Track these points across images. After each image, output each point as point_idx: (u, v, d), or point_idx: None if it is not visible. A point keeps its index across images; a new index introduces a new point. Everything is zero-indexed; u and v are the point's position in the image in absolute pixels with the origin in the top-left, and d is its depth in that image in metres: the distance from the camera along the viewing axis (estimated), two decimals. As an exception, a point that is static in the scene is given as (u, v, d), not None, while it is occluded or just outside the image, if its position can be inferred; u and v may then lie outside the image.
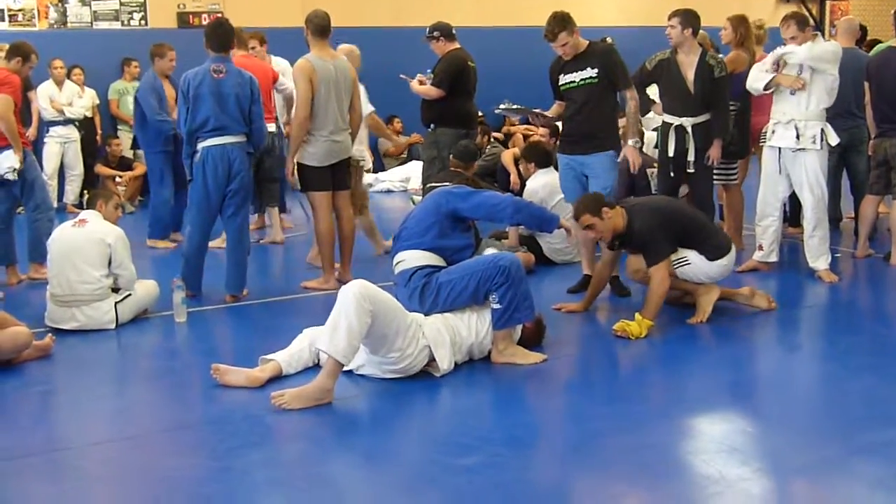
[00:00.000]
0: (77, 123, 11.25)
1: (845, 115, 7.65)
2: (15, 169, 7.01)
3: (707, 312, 5.79)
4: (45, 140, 11.04)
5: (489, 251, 5.76)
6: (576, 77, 6.32)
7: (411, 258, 5.21)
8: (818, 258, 6.85)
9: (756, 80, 6.78)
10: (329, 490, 3.62)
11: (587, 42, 6.37)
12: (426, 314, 5.01)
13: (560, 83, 6.43)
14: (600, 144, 6.34)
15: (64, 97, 11.10)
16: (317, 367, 4.85)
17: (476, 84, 8.43)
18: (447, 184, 7.09)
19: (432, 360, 4.83)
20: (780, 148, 6.80)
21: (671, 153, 6.85)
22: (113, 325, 5.87)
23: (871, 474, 3.67)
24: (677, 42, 6.77)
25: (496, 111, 9.65)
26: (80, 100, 11.38)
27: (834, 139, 6.71)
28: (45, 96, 10.96)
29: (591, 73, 6.27)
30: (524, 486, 3.65)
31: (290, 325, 5.47)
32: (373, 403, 4.58)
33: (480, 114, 12.03)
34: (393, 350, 4.68)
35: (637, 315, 5.58)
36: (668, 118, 6.92)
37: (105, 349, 5.65)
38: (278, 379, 4.81)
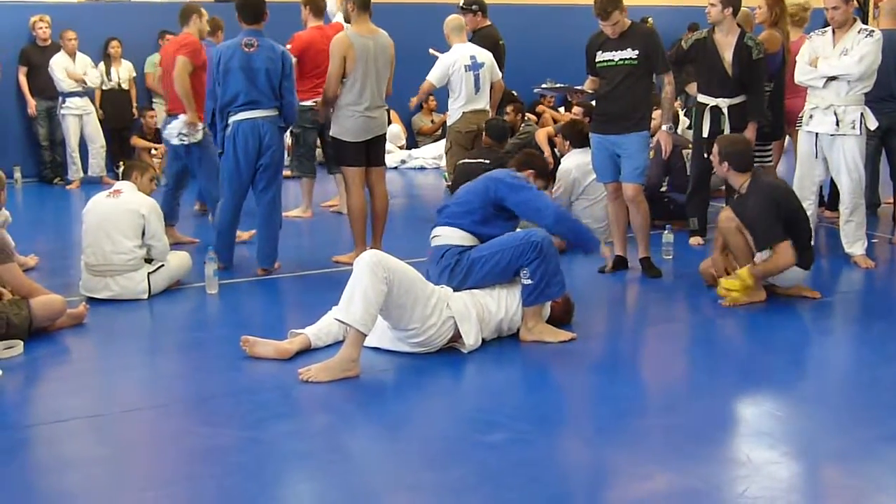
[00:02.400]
0: (91, 94, 11.27)
1: (886, 99, 7.52)
2: (184, 135, 7.08)
3: (739, 302, 5.71)
4: (62, 113, 11.07)
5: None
6: (615, 56, 6.25)
7: (447, 235, 5.20)
8: (854, 243, 6.77)
9: (804, 73, 6.66)
10: (355, 462, 3.65)
11: (630, 22, 6.30)
12: (455, 290, 5.02)
13: (597, 60, 6.34)
14: (634, 125, 6.28)
15: (78, 69, 11.10)
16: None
17: (504, 62, 8.43)
18: (483, 161, 7.07)
19: (459, 336, 4.84)
20: (816, 133, 6.72)
21: (706, 134, 6.81)
22: (146, 296, 5.93)
23: (901, 461, 3.65)
24: (716, 20, 6.71)
25: (536, 90, 9.59)
26: (94, 70, 11.38)
27: (873, 123, 6.62)
28: (61, 68, 10.96)
29: (631, 53, 6.20)
30: (550, 464, 3.66)
31: (321, 298, 5.49)
32: (400, 378, 4.60)
33: (514, 92, 12.02)
34: (413, 320, 4.68)
35: (744, 270, 5.63)
36: (704, 98, 6.86)
37: (137, 319, 5.70)
38: (307, 352, 4.83)
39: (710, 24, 6.83)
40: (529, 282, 4.98)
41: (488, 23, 8.59)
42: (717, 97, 6.78)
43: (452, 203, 5.32)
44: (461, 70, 8.16)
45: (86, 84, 11.08)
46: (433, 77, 8.33)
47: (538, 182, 5.47)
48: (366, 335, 4.53)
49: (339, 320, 4.59)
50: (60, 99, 10.97)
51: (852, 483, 3.50)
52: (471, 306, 4.90)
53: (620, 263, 6.53)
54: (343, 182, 8.45)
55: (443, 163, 11.99)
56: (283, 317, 5.43)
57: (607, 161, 6.44)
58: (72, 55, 11.06)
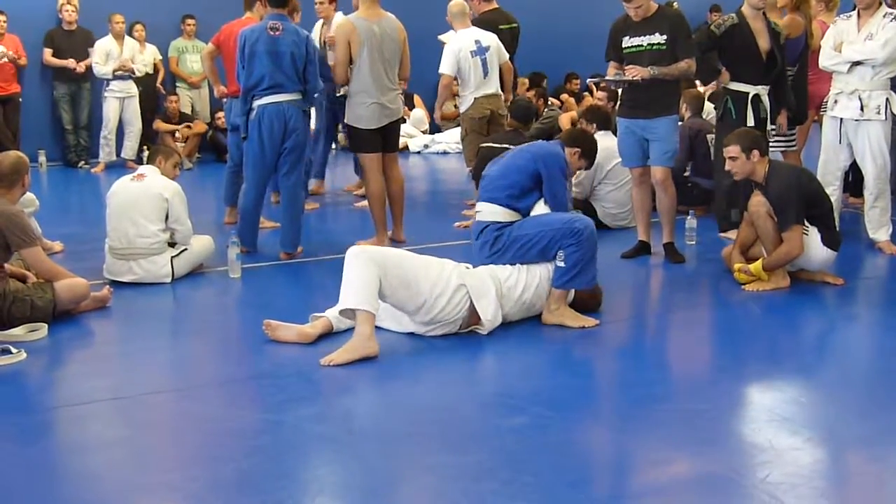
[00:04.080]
0: (136, 78, 11.35)
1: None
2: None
3: (765, 287, 5.68)
4: (105, 95, 11.17)
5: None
6: (643, 41, 6.16)
7: (487, 211, 5.24)
8: (879, 229, 6.73)
9: (829, 58, 6.60)
10: (375, 445, 3.65)
11: (657, 6, 6.23)
12: (492, 263, 5.05)
13: (624, 45, 6.25)
14: (664, 109, 6.22)
15: (127, 53, 11.18)
16: None
17: (516, 46, 8.34)
18: (507, 147, 7.01)
19: (478, 318, 4.83)
20: (841, 118, 6.66)
21: (751, 123, 6.61)
22: (169, 279, 5.96)
23: (925, 448, 3.62)
24: (760, 5, 6.60)
25: (593, 81, 9.49)
26: (141, 56, 11.48)
27: (899, 107, 6.56)
28: (103, 52, 11.03)
29: (659, 38, 6.11)
30: (571, 448, 3.66)
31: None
32: (419, 361, 4.61)
33: (541, 74, 11.99)
34: (421, 293, 4.68)
35: (757, 264, 5.66)
36: (741, 86, 6.71)
37: (160, 302, 5.74)
38: (329, 336, 4.85)
39: (755, 9, 6.67)
40: (563, 265, 4.99)
41: (494, 6, 8.49)
42: (756, 85, 6.68)
43: (494, 175, 5.32)
44: (468, 56, 8.02)
45: (134, 73, 11.16)
46: (446, 68, 8.16)
47: (582, 161, 5.52)
48: (373, 313, 4.53)
49: (347, 308, 4.58)
50: (105, 82, 11.06)
51: (875, 469, 3.47)
52: (489, 282, 4.89)
53: (644, 248, 6.51)
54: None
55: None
56: (306, 301, 5.44)
57: (635, 146, 6.39)
58: (119, 38, 11.13)
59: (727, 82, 6.80)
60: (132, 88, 11.25)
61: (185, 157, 11.27)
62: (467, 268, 4.98)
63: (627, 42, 6.24)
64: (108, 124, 11.17)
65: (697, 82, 7.14)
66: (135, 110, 11.30)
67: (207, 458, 3.58)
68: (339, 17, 7.99)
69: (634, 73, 6.05)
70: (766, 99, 6.70)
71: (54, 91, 11.34)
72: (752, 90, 6.68)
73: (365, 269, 4.52)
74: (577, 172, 6.14)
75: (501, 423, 3.83)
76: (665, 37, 6.10)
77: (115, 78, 11.09)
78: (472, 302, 4.81)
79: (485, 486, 3.28)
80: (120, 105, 11.20)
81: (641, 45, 6.18)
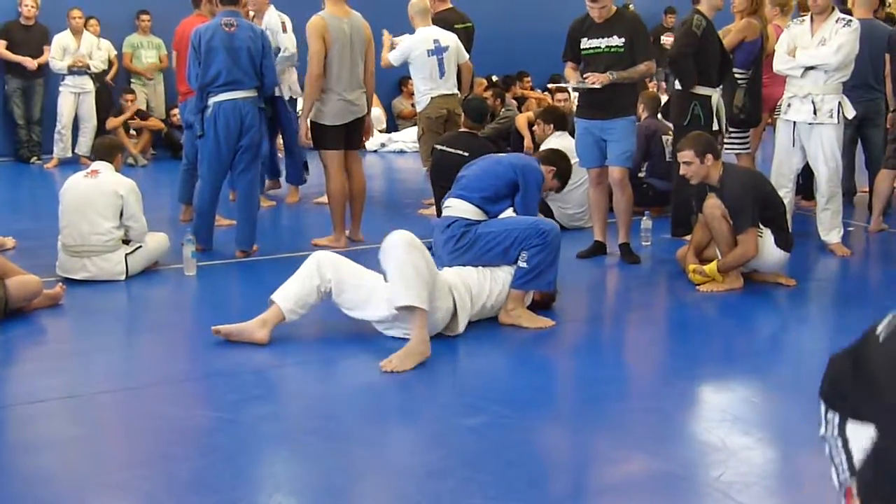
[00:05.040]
0: (92, 75, 11.22)
1: (862, 88, 7.56)
2: None
3: (720, 288, 5.74)
4: (60, 90, 11.02)
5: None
6: (601, 43, 6.17)
7: (457, 207, 5.25)
8: (830, 231, 6.81)
9: (783, 62, 6.66)
10: (333, 445, 3.64)
11: (615, 8, 6.24)
12: (450, 263, 5.06)
13: (582, 47, 6.26)
14: (621, 110, 6.26)
15: (84, 48, 11.04)
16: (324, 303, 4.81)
17: (470, 46, 8.34)
18: (462, 153, 6.98)
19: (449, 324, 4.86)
20: (794, 121, 6.74)
21: (717, 127, 6.68)
22: (123, 277, 5.89)
23: (875, 447, 3.67)
24: (825, 8, 6.56)
25: (556, 86, 9.52)
26: (100, 52, 11.33)
27: (851, 112, 6.65)
28: (60, 47, 10.89)
29: (618, 41, 6.13)
30: (528, 447, 3.67)
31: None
32: (376, 362, 4.59)
33: (495, 78, 12.01)
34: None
35: (712, 265, 5.71)
36: (706, 90, 6.70)
37: (114, 300, 5.67)
38: (280, 328, 4.75)
39: (716, 10, 6.73)
40: (525, 265, 5.02)
41: (448, 6, 8.50)
42: (715, 87, 6.75)
43: (468, 177, 5.35)
44: (424, 54, 7.98)
45: (90, 68, 11.02)
46: (392, 56, 8.18)
47: (555, 182, 5.61)
48: (428, 311, 4.49)
49: (404, 307, 4.46)
50: (61, 77, 10.91)
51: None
52: (465, 295, 4.91)
53: (600, 249, 6.55)
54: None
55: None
56: (261, 299, 5.39)
57: (592, 146, 6.42)
58: (77, 34, 10.98)
59: (693, 87, 6.72)
60: (88, 84, 11.11)
61: (138, 153, 11.16)
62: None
63: (586, 43, 6.25)
64: (62, 119, 11.01)
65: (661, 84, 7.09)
66: (90, 106, 11.16)
67: (161, 458, 3.54)
68: (271, 11, 7.92)
69: (594, 80, 6.06)
70: (721, 102, 6.77)
71: (6, 85, 11.16)
72: (713, 93, 6.72)
73: (420, 260, 4.49)
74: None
75: (460, 422, 3.84)
76: (623, 39, 6.13)
77: (71, 73, 10.94)
78: (455, 311, 4.83)
79: (442, 484, 3.28)
80: (75, 100, 11.05)
81: (599, 48, 6.20)
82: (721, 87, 6.80)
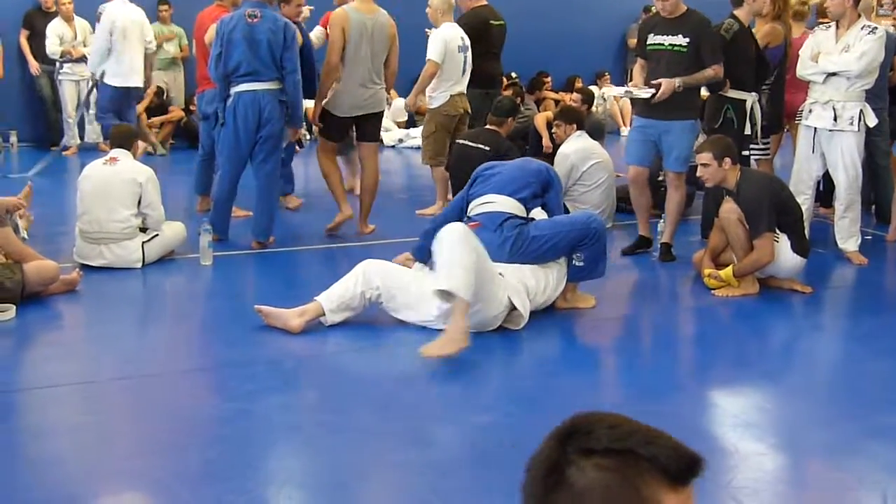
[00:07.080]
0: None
1: (869, 98, 7.50)
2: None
3: (735, 293, 5.72)
4: (59, 79, 10.99)
5: None
6: (665, 40, 6.13)
7: (501, 203, 5.22)
8: (848, 239, 6.77)
9: (806, 67, 6.63)
10: (343, 437, 3.65)
11: (686, 7, 6.17)
12: (508, 261, 5.05)
13: (648, 42, 6.23)
14: (680, 112, 6.19)
15: (79, 35, 10.98)
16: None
17: (502, 43, 8.28)
18: (484, 147, 6.99)
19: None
20: (815, 128, 6.71)
21: (748, 131, 6.63)
22: (139, 265, 5.92)
23: (885, 456, 3.66)
24: (838, 15, 6.47)
25: (612, 92, 9.50)
26: (93, 37, 11.28)
27: (872, 120, 6.59)
28: (54, 34, 10.84)
29: (681, 41, 6.07)
30: (534, 446, 3.66)
31: (315, 273, 5.51)
32: (388, 357, 4.61)
33: (514, 75, 11.97)
34: (479, 298, 4.62)
35: (727, 270, 5.68)
36: (740, 94, 6.61)
37: (130, 288, 5.70)
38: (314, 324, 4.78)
39: (754, 15, 6.70)
40: (581, 264, 5.14)
41: (482, 2, 8.37)
42: (751, 91, 6.65)
43: (507, 173, 5.34)
44: (455, 50, 7.77)
45: (83, 57, 10.98)
46: (435, 55, 7.71)
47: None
48: (470, 303, 4.49)
49: (442, 291, 4.46)
50: (58, 64, 10.89)
51: (836, 476, 3.52)
52: (523, 292, 4.94)
53: (644, 243, 6.62)
54: (350, 162, 8.46)
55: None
56: (276, 291, 5.42)
57: (642, 145, 6.39)
58: (68, 20, 10.93)
59: (726, 90, 6.62)
60: (87, 71, 11.03)
61: (158, 142, 11.19)
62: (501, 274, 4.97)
63: (651, 39, 6.21)
64: (66, 108, 10.96)
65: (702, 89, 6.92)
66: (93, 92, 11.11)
67: (173, 446, 3.56)
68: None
69: (662, 91, 5.99)
70: (757, 107, 6.72)
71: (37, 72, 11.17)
72: (749, 98, 6.65)
73: (468, 255, 4.50)
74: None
75: (470, 419, 3.84)
76: (687, 40, 6.06)
77: (67, 61, 10.89)
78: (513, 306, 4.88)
79: (452, 482, 3.28)
80: (76, 88, 10.99)
81: (662, 45, 6.15)
82: (756, 92, 6.74)
